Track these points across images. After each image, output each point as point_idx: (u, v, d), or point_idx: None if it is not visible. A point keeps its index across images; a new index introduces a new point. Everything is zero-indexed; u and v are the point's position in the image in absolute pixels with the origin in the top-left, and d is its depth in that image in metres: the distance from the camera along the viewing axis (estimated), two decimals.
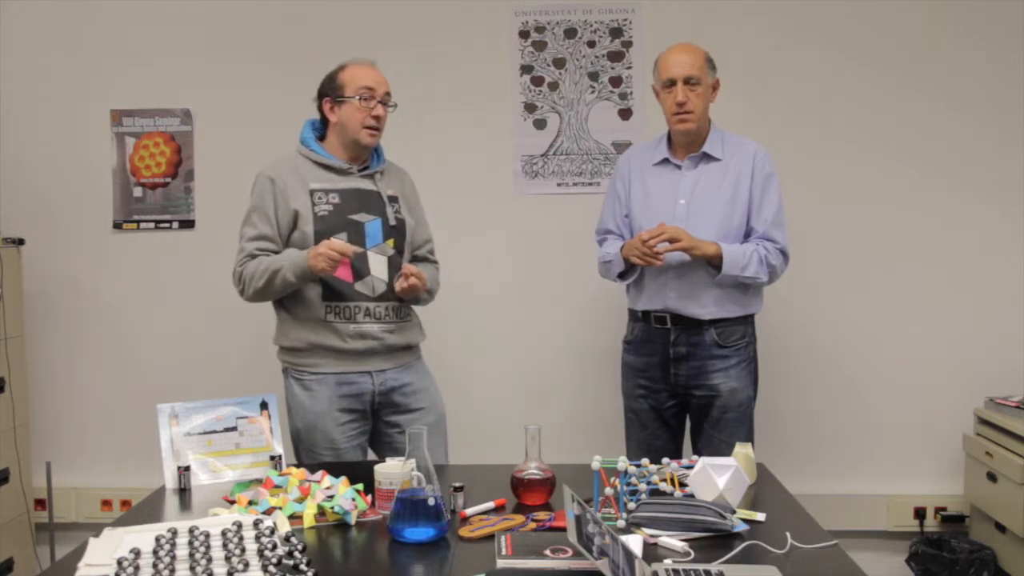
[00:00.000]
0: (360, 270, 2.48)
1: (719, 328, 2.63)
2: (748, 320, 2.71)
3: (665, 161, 2.70)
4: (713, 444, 2.63)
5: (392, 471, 1.96)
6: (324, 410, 2.50)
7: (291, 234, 2.50)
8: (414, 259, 2.65)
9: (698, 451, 2.70)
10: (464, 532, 1.84)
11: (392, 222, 2.54)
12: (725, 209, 2.60)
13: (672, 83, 2.59)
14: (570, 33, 3.34)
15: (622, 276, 2.72)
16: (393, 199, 2.58)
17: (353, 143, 2.52)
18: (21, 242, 3.26)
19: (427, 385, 2.64)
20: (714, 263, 2.56)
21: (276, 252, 2.50)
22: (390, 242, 2.53)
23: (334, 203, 2.49)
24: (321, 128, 2.60)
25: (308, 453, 2.54)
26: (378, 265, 2.51)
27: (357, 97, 2.48)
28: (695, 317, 2.62)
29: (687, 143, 2.67)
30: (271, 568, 1.57)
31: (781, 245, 2.65)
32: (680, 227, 2.54)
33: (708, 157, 2.66)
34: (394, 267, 2.53)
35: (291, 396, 2.56)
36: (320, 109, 2.57)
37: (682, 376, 2.67)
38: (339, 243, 2.37)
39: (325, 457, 2.51)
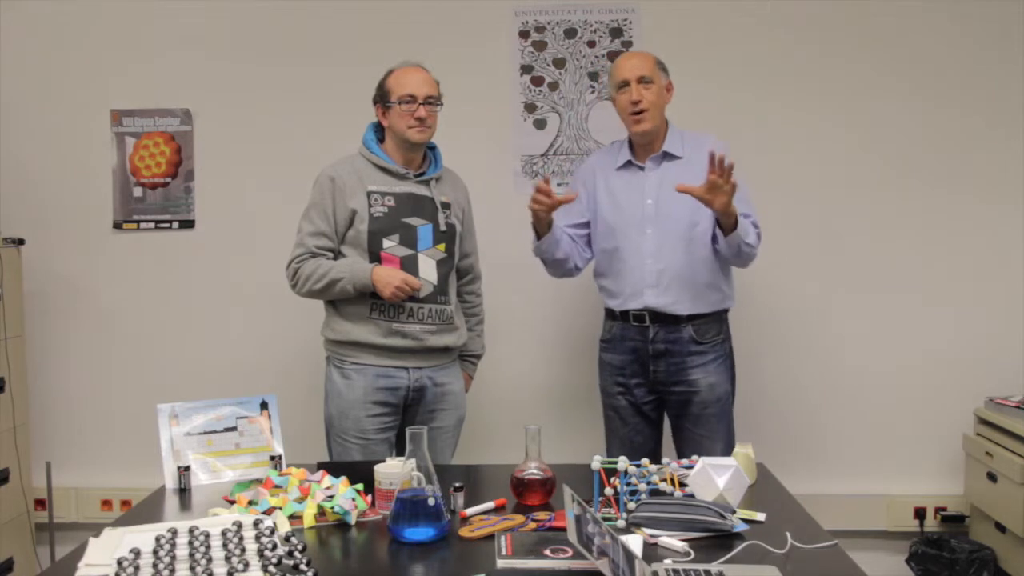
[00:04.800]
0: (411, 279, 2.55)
1: (696, 324, 2.67)
2: (723, 317, 2.75)
3: (628, 164, 2.74)
4: (695, 441, 2.67)
5: (392, 471, 1.97)
6: (359, 399, 2.59)
7: (347, 231, 2.60)
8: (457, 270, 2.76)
9: (680, 449, 2.72)
10: (464, 532, 1.84)
11: (443, 227, 2.64)
12: (691, 206, 2.59)
13: (626, 84, 2.64)
14: (570, 33, 3.34)
15: (546, 254, 2.73)
16: (446, 205, 2.67)
17: (404, 142, 2.62)
18: (21, 242, 3.26)
19: (458, 388, 2.74)
20: (727, 224, 2.53)
21: (332, 249, 2.62)
22: (441, 246, 2.64)
23: (389, 205, 2.59)
24: (381, 131, 2.70)
25: (338, 440, 2.62)
26: (427, 267, 2.60)
27: (400, 103, 2.57)
28: (673, 313, 2.65)
29: (647, 144, 2.71)
30: (271, 568, 1.57)
31: (759, 229, 2.65)
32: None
33: (669, 156, 2.70)
34: (444, 268, 2.64)
35: (329, 383, 2.66)
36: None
37: (661, 373, 2.69)
38: (413, 279, 2.51)
39: (354, 448, 2.59)
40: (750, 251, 2.61)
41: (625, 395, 2.76)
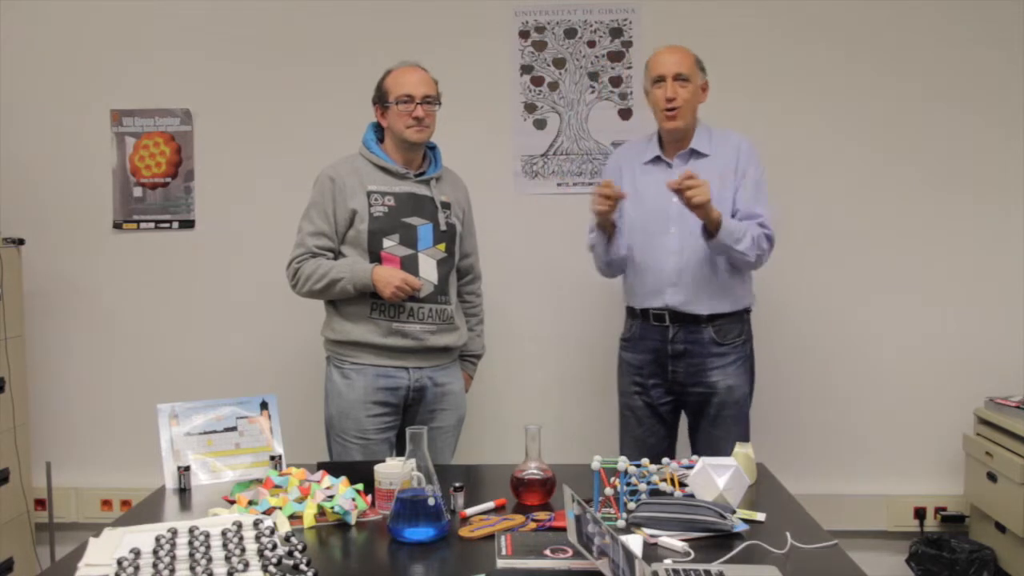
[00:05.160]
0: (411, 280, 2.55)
1: (716, 325, 2.65)
2: (744, 317, 2.73)
3: (656, 159, 2.73)
4: (711, 441, 2.65)
5: (392, 471, 1.97)
6: (359, 399, 2.59)
7: (347, 231, 2.60)
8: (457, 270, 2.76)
9: (696, 448, 2.71)
10: (464, 532, 1.84)
11: (443, 227, 2.64)
12: (715, 203, 2.58)
13: (662, 79, 2.62)
14: (570, 33, 3.34)
15: (608, 252, 2.71)
16: (446, 205, 2.67)
17: (403, 142, 2.62)
18: (21, 242, 3.26)
19: (458, 388, 2.74)
20: (711, 228, 2.53)
21: (333, 249, 2.62)
22: (441, 246, 2.64)
23: (389, 205, 2.59)
24: (381, 131, 2.70)
25: (338, 440, 2.63)
26: (427, 267, 2.60)
27: (397, 103, 2.58)
28: (693, 313, 2.64)
29: (676, 140, 2.69)
30: (271, 568, 1.57)
31: (769, 231, 2.62)
32: (699, 189, 2.43)
33: (696, 153, 2.68)
34: (445, 268, 2.64)
35: (329, 383, 2.66)
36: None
37: (680, 373, 2.68)
38: (413, 279, 2.52)
39: (354, 448, 2.59)
40: (741, 258, 2.57)
41: (641, 395, 2.74)
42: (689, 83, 2.62)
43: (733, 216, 2.63)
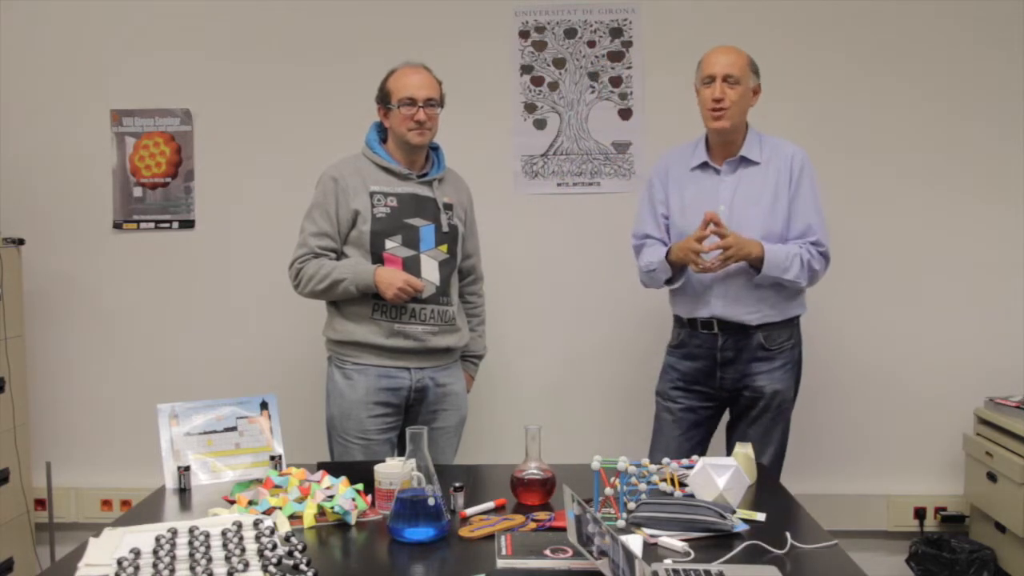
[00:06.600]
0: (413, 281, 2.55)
1: (765, 332, 2.63)
2: (794, 323, 2.70)
3: (704, 165, 2.69)
4: (746, 440, 2.62)
5: (392, 471, 1.97)
6: (360, 399, 2.59)
7: (349, 232, 2.60)
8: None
9: (730, 444, 2.71)
10: (464, 532, 1.84)
11: (445, 228, 2.64)
12: (766, 214, 2.58)
13: (711, 79, 2.59)
14: (570, 33, 3.34)
15: (669, 281, 2.69)
16: (448, 206, 2.67)
17: (405, 144, 2.62)
18: (21, 242, 3.26)
19: (459, 389, 2.74)
20: (755, 264, 2.54)
21: (335, 250, 2.61)
22: (443, 247, 2.64)
23: (392, 206, 2.59)
24: (384, 131, 2.70)
25: (339, 441, 2.63)
26: (429, 268, 2.60)
27: (399, 106, 2.57)
28: (742, 322, 2.61)
29: (724, 143, 2.65)
30: (271, 568, 1.57)
31: (824, 248, 2.62)
32: (731, 234, 2.49)
33: (746, 161, 2.64)
34: (447, 269, 2.63)
35: (331, 383, 2.66)
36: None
37: (728, 380, 2.66)
38: (416, 280, 2.52)
39: (355, 448, 2.59)
40: (792, 286, 2.59)
41: (687, 399, 2.71)
42: (739, 85, 2.58)
43: (786, 235, 2.61)
